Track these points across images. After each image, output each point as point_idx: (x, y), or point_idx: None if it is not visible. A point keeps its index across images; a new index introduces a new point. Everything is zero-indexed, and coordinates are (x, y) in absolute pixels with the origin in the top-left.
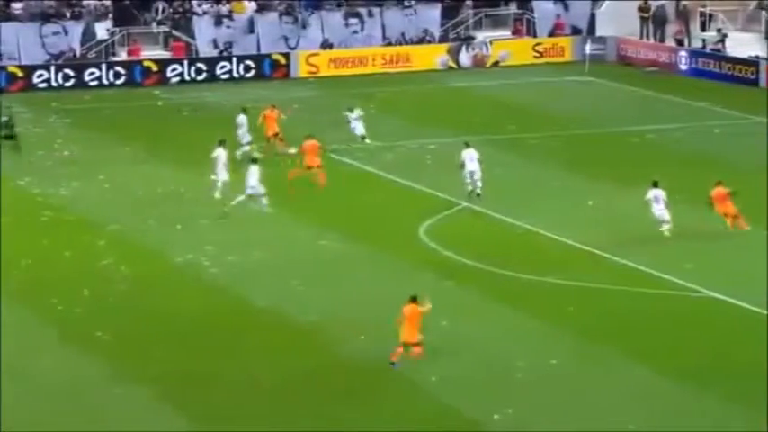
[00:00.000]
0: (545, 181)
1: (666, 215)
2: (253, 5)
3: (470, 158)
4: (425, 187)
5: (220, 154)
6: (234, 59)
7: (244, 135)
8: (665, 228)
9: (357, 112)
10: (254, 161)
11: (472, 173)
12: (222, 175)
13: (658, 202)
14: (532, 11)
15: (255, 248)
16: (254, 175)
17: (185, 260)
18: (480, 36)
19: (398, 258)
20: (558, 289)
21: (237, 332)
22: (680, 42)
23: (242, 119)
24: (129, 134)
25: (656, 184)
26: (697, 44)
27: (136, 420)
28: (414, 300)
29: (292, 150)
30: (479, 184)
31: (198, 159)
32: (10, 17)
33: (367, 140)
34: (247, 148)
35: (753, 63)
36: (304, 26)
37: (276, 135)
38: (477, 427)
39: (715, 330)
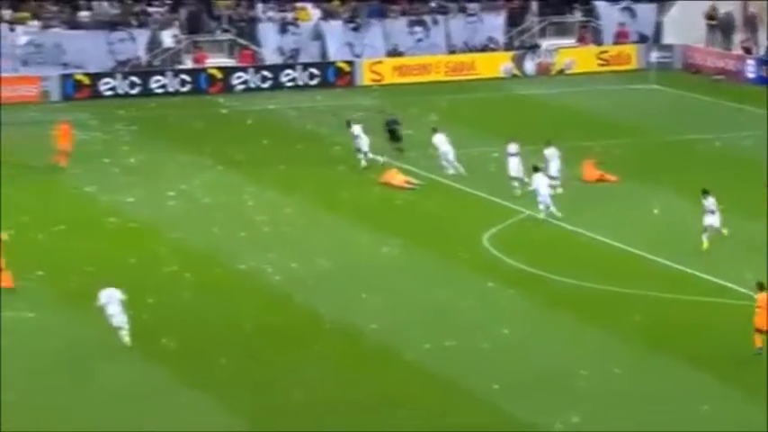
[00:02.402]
0: (609, 190)
1: (716, 222)
2: (318, 13)
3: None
4: (489, 195)
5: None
6: (298, 67)
7: (363, 145)
8: (707, 236)
9: (441, 136)
10: (537, 169)
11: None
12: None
13: (711, 211)
14: (598, 18)
15: (318, 256)
16: (543, 185)
17: (249, 267)
18: (545, 44)
19: (461, 266)
20: (622, 297)
21: (300, 339)
22: (747, 50)
23: (356, 129)
24: (193, 142)
25: (706, 192)
26: (765, 52)
27: (197, 426)
28: (762, 287)
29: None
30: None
31: (261, 167)
32: (77, 25)
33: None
34: (369, 155)
35: None
36: (357, 29)
37: None
38: None
39: None
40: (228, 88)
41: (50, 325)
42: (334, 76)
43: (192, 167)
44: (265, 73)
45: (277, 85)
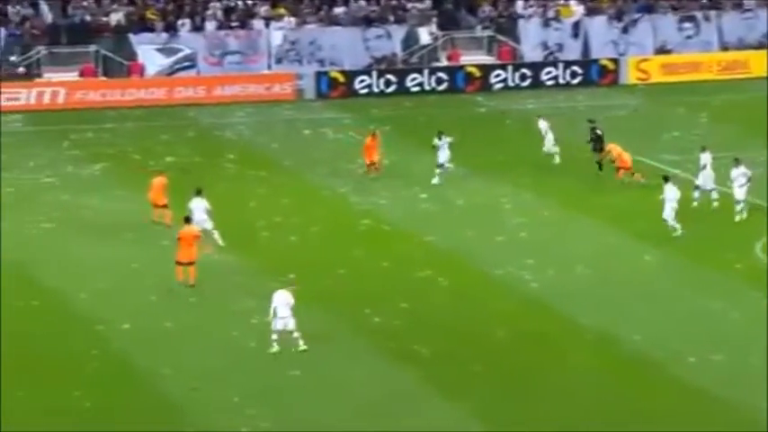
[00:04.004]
0: None
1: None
2: (581, 9)
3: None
4: (763, 201)
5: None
6: (560, 65)
7: (442, 157)
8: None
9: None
10: (667, 179)
11: (549, 140)
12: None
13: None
14: None
15: (577, 262)
16: (672, 197)
17: (505, 273)
18: None
19: (731, 276)
20: None
21: (558, 349)
22: None
23: (444, 141)
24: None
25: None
26: None
27: None
28: None
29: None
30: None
31: (518, 168)
32: (333, 21)
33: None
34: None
35: None
36: (626, 30)
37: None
38: None
39: None
40: (486, 87)
41: (299, 328)
42: (597, 75)
43: (447, 168)
44: (525, 71)
45: (537, 84)
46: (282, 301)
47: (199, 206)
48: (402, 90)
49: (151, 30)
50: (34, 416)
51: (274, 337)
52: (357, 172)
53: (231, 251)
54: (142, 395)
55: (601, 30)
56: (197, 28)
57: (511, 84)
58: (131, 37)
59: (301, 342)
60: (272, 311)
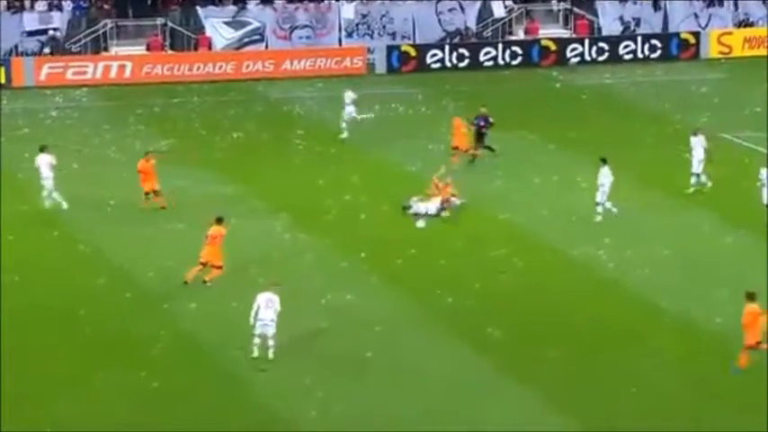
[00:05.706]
0: None
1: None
2: None
3: (349, 97)
4: None
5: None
6: (638, 39)
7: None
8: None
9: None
10: (605, 161)
11: (350, 113)
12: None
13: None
14: None
15: (656, 243)
16: (608, 180)
17: (580, 253)
18: None
19: None
20: None
21: (635, 333)
22: None
23: (349, 96)
24: (523, 118)
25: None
26: None
27: (523, 422)
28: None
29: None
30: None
31: (595, 146)
32: None
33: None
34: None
35: None
36: (708, 3)
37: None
38: None
39: None
40: (562, 61)
41: (369, 308)
42: (677, 49)
43: (521, 145)
44: (602, 45)
45: (614, 58)
46: (265, 302)
47: (44, 162)
48: (475, 64)
49: (219, 2)
50: (102, 396)
51: (256, 341)
52: (436, 148)
53: (300, 229)
54: (210, 376)
55: (682, 3)
56: (266, 1)
57: (587, 58)
58: (199, 10)
59: (270, 352)
60: (253, 313)
